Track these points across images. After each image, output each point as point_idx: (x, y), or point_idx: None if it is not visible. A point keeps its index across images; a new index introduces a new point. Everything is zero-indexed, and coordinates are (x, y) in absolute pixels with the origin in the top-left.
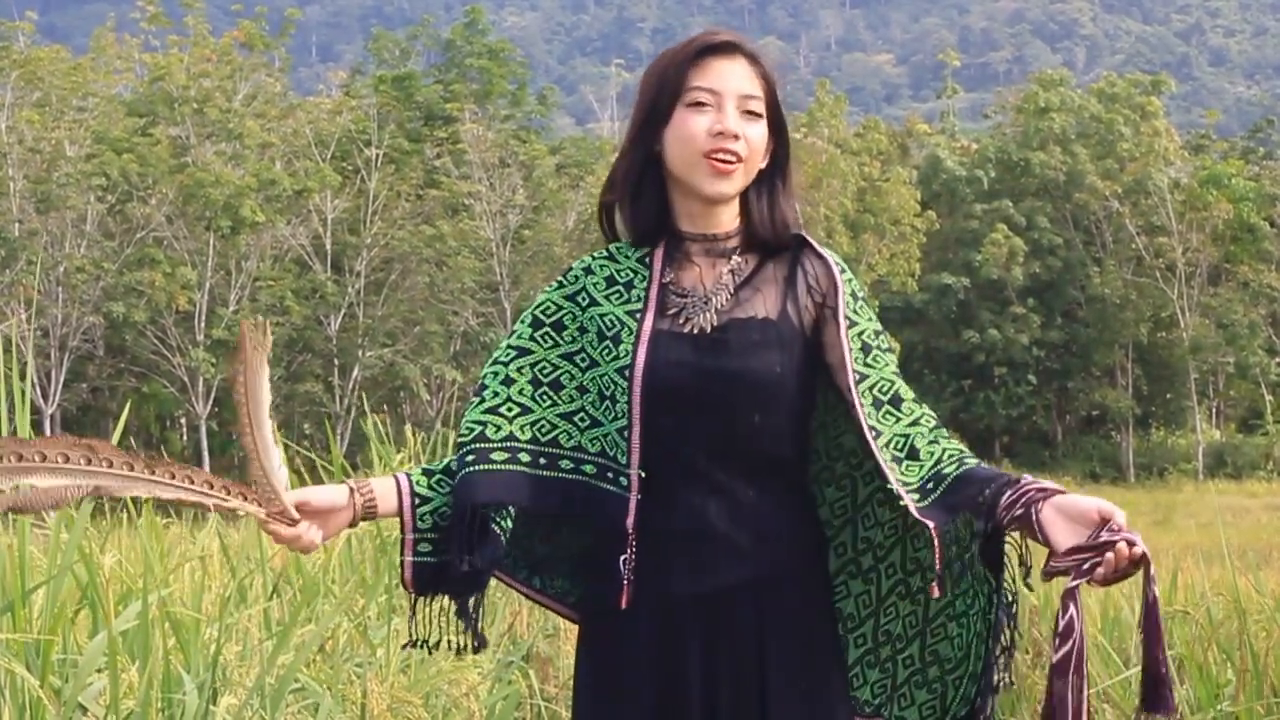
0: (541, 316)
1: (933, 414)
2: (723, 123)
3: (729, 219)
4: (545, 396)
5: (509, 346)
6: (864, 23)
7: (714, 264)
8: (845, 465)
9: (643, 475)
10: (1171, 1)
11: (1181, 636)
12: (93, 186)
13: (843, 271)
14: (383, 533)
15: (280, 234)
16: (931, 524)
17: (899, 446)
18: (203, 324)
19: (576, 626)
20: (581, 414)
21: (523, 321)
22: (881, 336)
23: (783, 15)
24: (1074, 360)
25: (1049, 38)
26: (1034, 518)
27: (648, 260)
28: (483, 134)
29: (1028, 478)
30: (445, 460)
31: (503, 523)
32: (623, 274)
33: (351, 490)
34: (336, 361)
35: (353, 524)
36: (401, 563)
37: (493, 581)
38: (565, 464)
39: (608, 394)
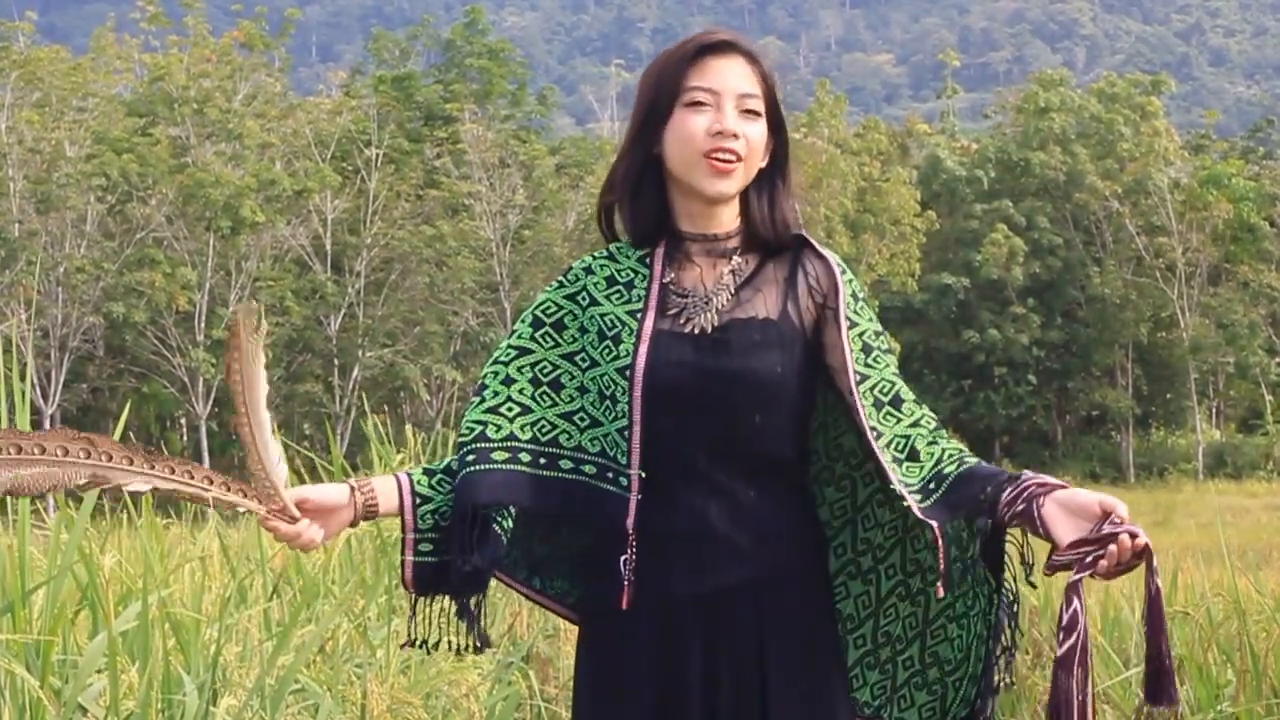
0: (542, 316)
1: (933, 415)
2: (722, 122)
3: (729, 219)
4: (545, 396)
5: (509, 346)
6: (864, 23)
7: (715, 264)
8: (845, 466)
9: (643, 475)
10: (1171, 1)
11: (1181, 637)
12: (93, 187)
13: (843, 272)
14: (383, 533)
15: (280, 234)
16: (934, 524)
17: (899, 448)
18: (203, 324)
19: (576, 627)
20: (582, 414)
21: (523, 321)
22: (882, 337)
23: (783, 15)
24: (1074, 360)
25: (1049, 38)
26: (1036, 513)
27: (648, 260)
28: (483, 134)
29: (1028, 473)
30: (446, 460)
31: (504, 523)
32: (623, 274)
33: (352, 489)
34: (336, 362)
35: (353, 523)
36: (402, 562)
37: (492, 582)
38: (565, 464)
39: (608, 394)
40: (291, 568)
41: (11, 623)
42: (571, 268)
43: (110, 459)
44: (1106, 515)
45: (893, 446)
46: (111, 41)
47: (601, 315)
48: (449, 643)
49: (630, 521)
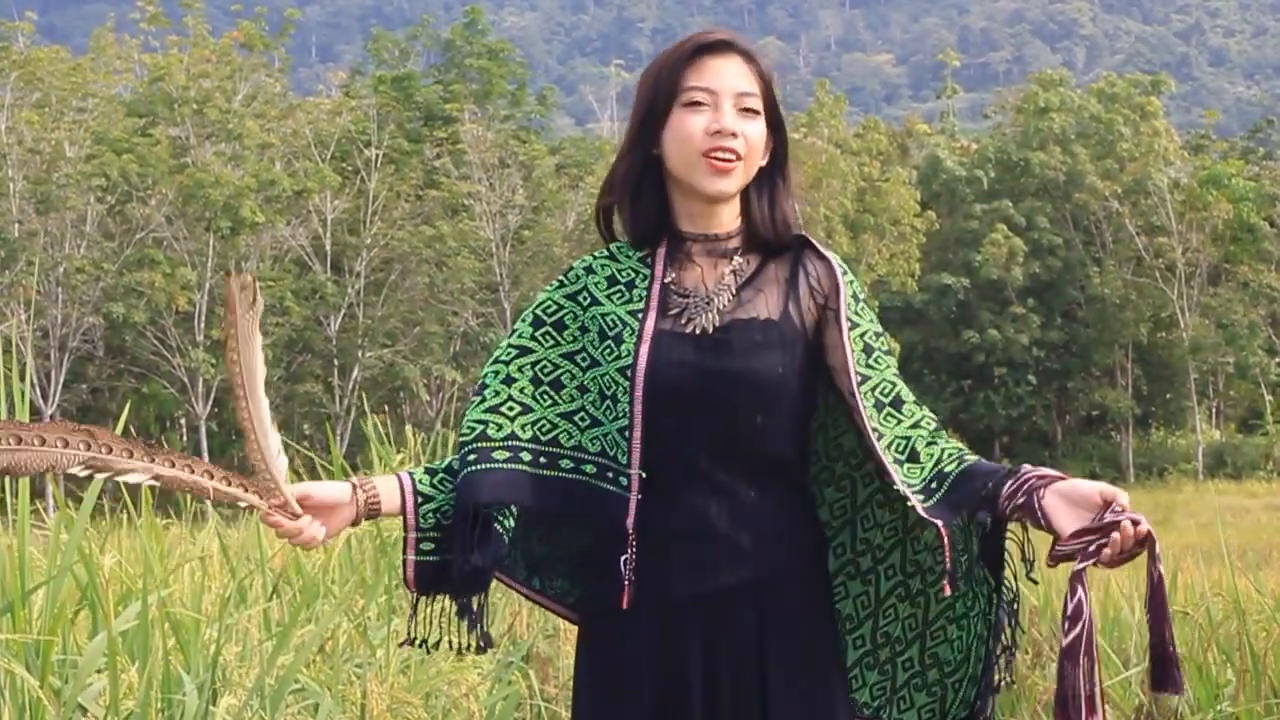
0: (542, 315)
1: (933, 415)
2: (720, 121)
3: (730, 219)
4: (546, 396)
5: (510, 345)
6: (864, 23)
7: (716, 264)
8: (845, 466)
9: (643, 475)
10: (1171, 1)
11: (1181, 637)
12: (92, 187)
13: (844, 273)
14: (382, 533)
15: (280, 234)
16: (940, 523)
17: (900, 449)
18: (202, 325)
19: (576, 627)
20: (582, 413)
21: (524, 320)
22: (882, 338)
23: (782, 15)
24: (1074, 360)
25: (1049, 38)
26: (1037, 505)
27: (649, 260)
28: (482, 134)
29: (1027, 467)
30: (447, 459)
31: (505, 522)
32: (624, 274)
33: (354, 487)
34: (336, 362)
35: (355, 522)
36: (404, 561)
37: (492, 582)
38: (566, 463)
39: (609, 393)
40: (291, 568)
41: (11, 623)
42: (572, 267)
43: (110, 451)
44: (1108, 504)
45: (894, 448)
46: (111, 42)
47: (602, 315)
48: (450, 642)
49: (630, 521)
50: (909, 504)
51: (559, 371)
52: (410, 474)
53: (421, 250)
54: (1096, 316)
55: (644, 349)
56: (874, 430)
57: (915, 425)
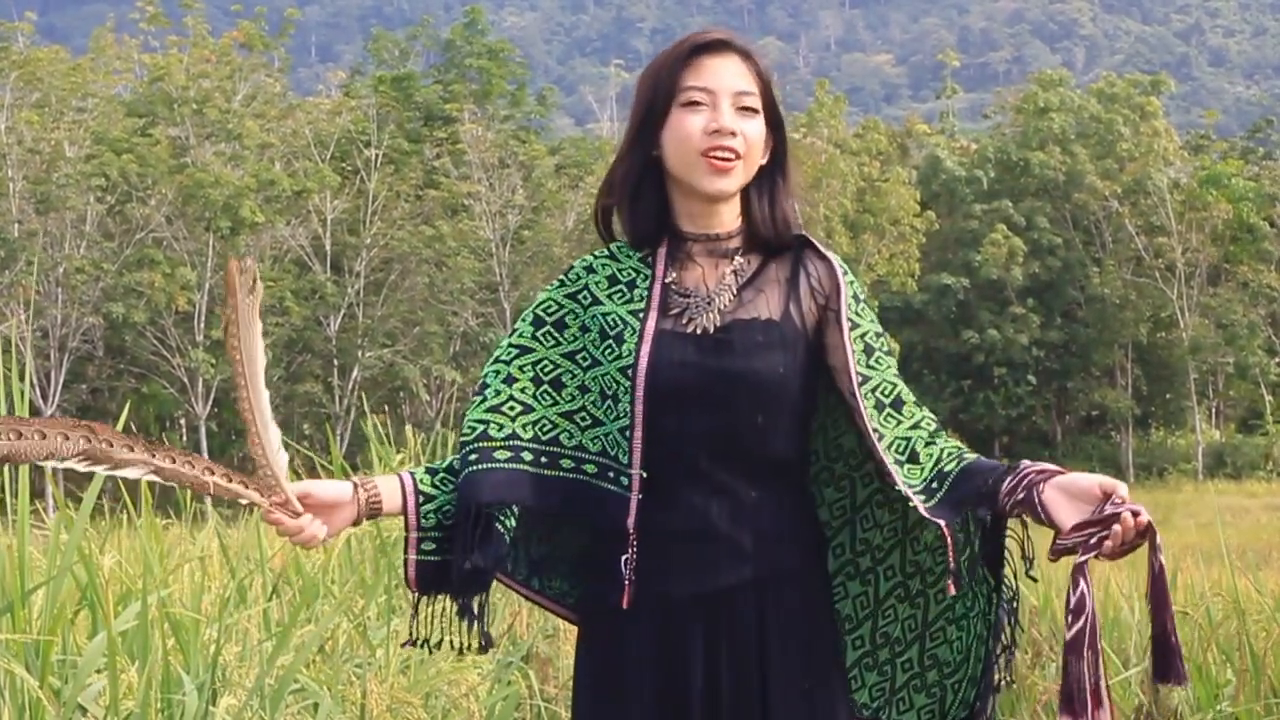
0: (543, 315)
1: (933, 416)
2: (718, 120)
3: (730, 218)
4: (547, 395)
5: (510, 345)
6: (863, 23)
7: (716, 264)
8: (844, 466)
9: (644, 475)
10: (1171, 1)
11: (1181, 637)
12: (92, 187)
13: (845, 273)
14: (382, 533)
15: (280, 234)
16: (942, 522)
17: (900, 450)
18: (202, 325)
19: (576, 627)
20: (583, 413)
21: (524, 320)
22: (882, 339)
23: (782, 15)
24: (1074, 360)
25: (1048, 38)
26: (1036, 499)
27: (650, 260)
28: (482, 134)
29: (1026, 462)
30: (448, 459)
31: (506, 522)
32: (625, 273)
33: (356, 486)
34: (336, 362)
35: (356, 522)
36: (405, 561)
37: (493, 582)
38: (566, 463)
39: (610, 393)
40: (291, 568)
41: (11, 623)
42: (573, 267)
43: (111, 446)
44: (1107, 496)
45: (894, 449)
46: (111, 42)
47: (603, 314)
48: (451, 642)
49: (631, 521)
50: (911, 505)
51: (560, 371)
52: (411, 474)
53: (421, 250)
54: (1096, 316)
55: (645, 349)
56: (874, 431)
57: (915, 426)
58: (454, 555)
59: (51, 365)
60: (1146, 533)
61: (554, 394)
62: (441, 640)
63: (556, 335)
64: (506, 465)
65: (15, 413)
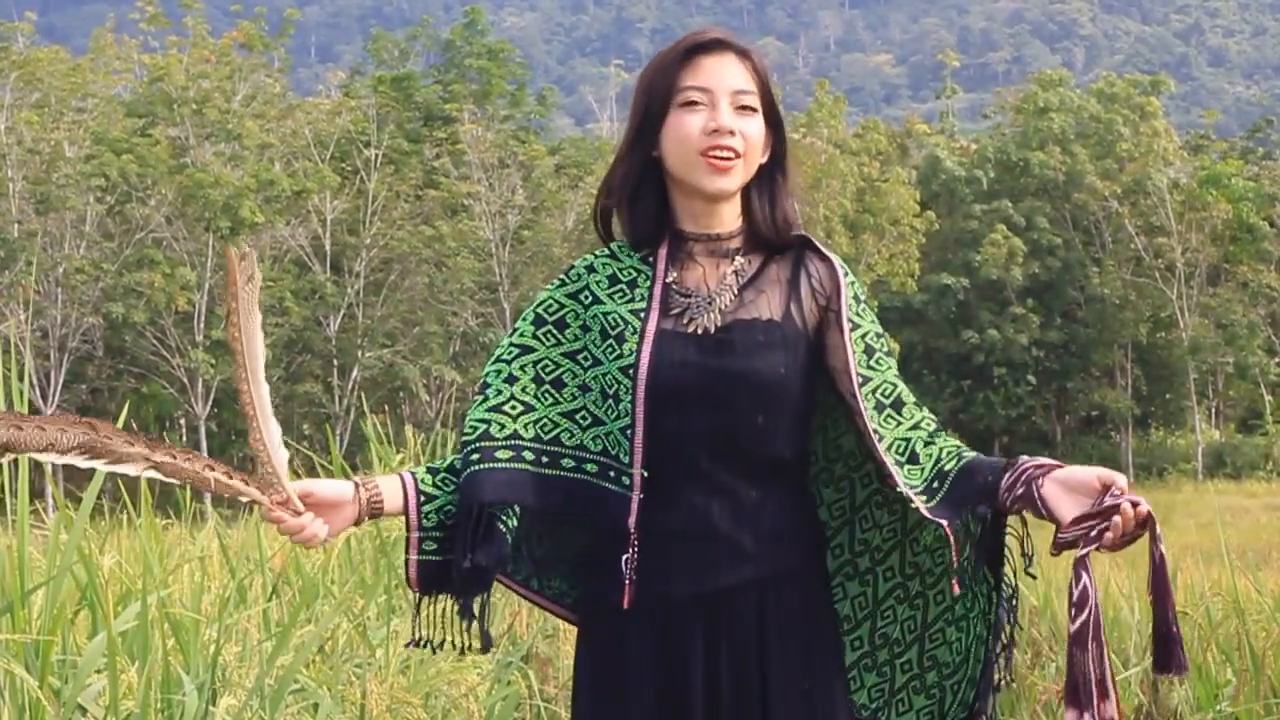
0: (544, 314)
1: (933, 417)
2: (717, 120)
3: (731, 218)
4: (547, 394)
5: (511, 344)
6: (863, 23)
7: (717, 264)
8: (844, 467)
9: (645, 475)
10: (1171, 1)
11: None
12: (92, 187)
13: (846, 274)
14: (382, 533)
15: (279, 235)
16: (945, 522)
17: (900, 451)
18: (202, 325)
19: (575, 627)
20: (583, 412)
21: (525, 319)
22: (883, 339)
23: (781, 16)
24: (1073, 360)
25: (1048, 38)
26: (1036, 494)
27: (651, 260)
28: (482, 134)
29: (1024, 458)
30: (449, 459)
31: (508, 521)
32: (626, 273)
33: (357, 485)
34: (336, 362)
35: (358, 521)
36: (406, 561)
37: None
38: (567, 462)
39: (610, 393)
40: (291, 568)
41: (11, 623)
42: (573, 266)
43: (110, 441)
44: (1106, 488)
45: (894, 450)
46: (111, 42)
47: (604, 314)
48: (452, 643)
49: (632, 520)
50: (912, 506)
51: (561, 370)
52: (412, 473)
53: (421, 250)
54: (1096, 317)
55: (646, 348)
56: (875, 432)
57: (915, 427)
58: (455, 555)
59: (51, 365)
60: (1147, 523)
61: (555, 393)
62: (443, 640)
63: (557, 334)
64: (508, 465)
65: None
